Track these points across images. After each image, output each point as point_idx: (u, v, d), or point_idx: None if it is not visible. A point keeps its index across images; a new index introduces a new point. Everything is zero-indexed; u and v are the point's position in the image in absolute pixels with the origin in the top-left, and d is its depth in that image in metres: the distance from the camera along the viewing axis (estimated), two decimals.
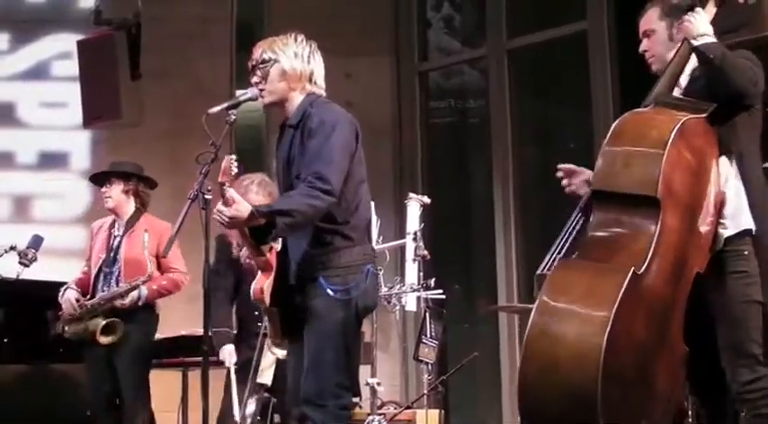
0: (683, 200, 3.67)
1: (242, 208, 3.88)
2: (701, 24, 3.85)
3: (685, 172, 3.69)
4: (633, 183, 3.65)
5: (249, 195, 5.69)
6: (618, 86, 7.54)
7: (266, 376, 5.53)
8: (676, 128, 3.65)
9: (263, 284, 4.14)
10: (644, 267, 3.52)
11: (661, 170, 3.59)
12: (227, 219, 3.89)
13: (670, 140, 3.62)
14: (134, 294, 5.90)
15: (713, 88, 3.79)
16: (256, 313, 5.76)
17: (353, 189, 4.07)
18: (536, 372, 3.49)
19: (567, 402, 3.41)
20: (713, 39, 3.82)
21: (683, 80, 3.99)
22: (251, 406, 5.56)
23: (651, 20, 4.09)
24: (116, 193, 6.10)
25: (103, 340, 5.85)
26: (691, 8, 3.98)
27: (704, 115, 3.77)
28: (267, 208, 3.92)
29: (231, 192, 3.91)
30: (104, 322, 5.85)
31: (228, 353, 5.74)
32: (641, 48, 4.12)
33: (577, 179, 4.20)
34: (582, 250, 3.76)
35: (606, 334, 3.38)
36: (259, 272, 4.20)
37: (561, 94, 8.48)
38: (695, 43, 3.82)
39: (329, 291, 3.98)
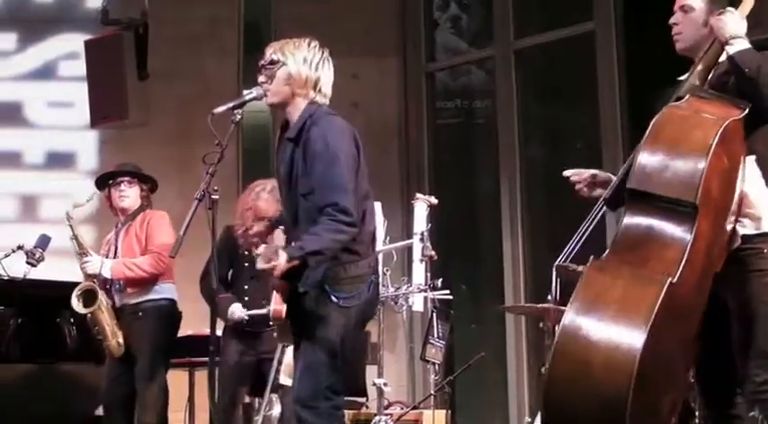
0: (716, 205, 3.62)
1: (281, 262, 3.90)
2: (733, 25, 3.76)
3: (721, 177, 3.62)
4: (672, 187, 3.57)
5: (259, 201, 5.71)
6: (625, 86, 7.53)
7: (285, 378, 5.52)
8: (719, 133, 3.56)
9: (280, 303, 4.16)
10: (678, 275, 3.48)
11: (703, 176, 3.51)
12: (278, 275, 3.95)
13: (713, 145, 3.54)
14: (95, 259, 5.92)
15: (744, 97, 3.71)
16: (246, 309, 5.76)
17: (358, 202, 4.06)
18: (565, 375, 3.48)
19: (594, 409, 3.40)
20: (746, 44, 3.73)
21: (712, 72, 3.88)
22: (276, 408, 5.56)
23: None
24: (134, 193, 6.14)
25: (83, 310, 5.83)
26: (730, 2, 3.87)
27: (741, 115, 3.68)
28: (300, 252, 3.93)
29: (268, 248, 3.97)
30: (79, 291, 5.84)
31: (237, 308, 5.73)
32: (672, 20, 3.98)
33: (584, 179, 4.14)
34: (613, 250, 3.69)
35: (642, 345, 3.37)
36: (275, 293, 4.21)
37: (568, 95, 8.48)
38: (729, 50, 3.72)
39: (333, 298, 4.00)
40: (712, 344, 3.78)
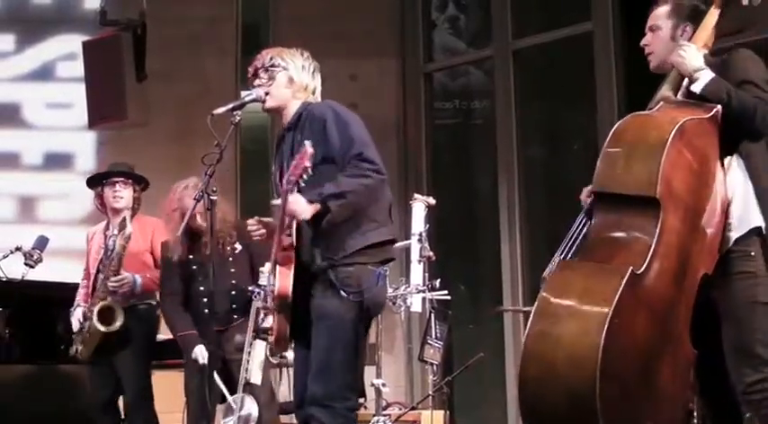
0: (684, 201, 3.66)
1: (300, 203, 3.92)
2: (692, 59, 3.83)
3: (686, 173, 3.68)
4: (633, 184, 3.64)
5: (185, 200, 5.66)
6: (623, 87, 7.54)
7: (256, 376, 5.51)
8: (675, 129, 3.63)
9: (285, 281, 4.07)
10: (644, 267, 3.51)
11: (660, 170, 3.57)
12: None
13: (669, 140, 3.60)
14: (128, 276, 5.87)
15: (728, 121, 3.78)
16: (206, 311, 5.68)
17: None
18: (535, 374, 3.49)
19: (566, 404, 3.40)
20: (710, 75, 3.79)
21: (684, 80, 3.94)
22: (253, 408, 5.52)
23: (659, 16, 4.04)
24: (129, 194, 6.12)
25: (103, 328, 5.81)
26: (693, 14, 3.96)
27: (707, 116, 3.74)
28: (318, 196, 3.93)
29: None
30: (99, 307, 5.81)
31: (200, 351, 5.70)
32: (643, 41, 4.08)
33: None
34: (583, 251, 3.76)
35: (604, 333, 3.36)
36: (277, 271, 4.12)
37: (566, 95, 8.48)
38: (696, 89, 3.80)
39: (342, 293, 3.98)
40: (708, 347, 3.78)
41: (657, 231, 3.56)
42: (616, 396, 3.40)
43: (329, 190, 3.92)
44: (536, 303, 3.59)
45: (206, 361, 5.60)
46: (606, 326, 3.37)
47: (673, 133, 3.62)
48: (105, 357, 5.94)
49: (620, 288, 3.43)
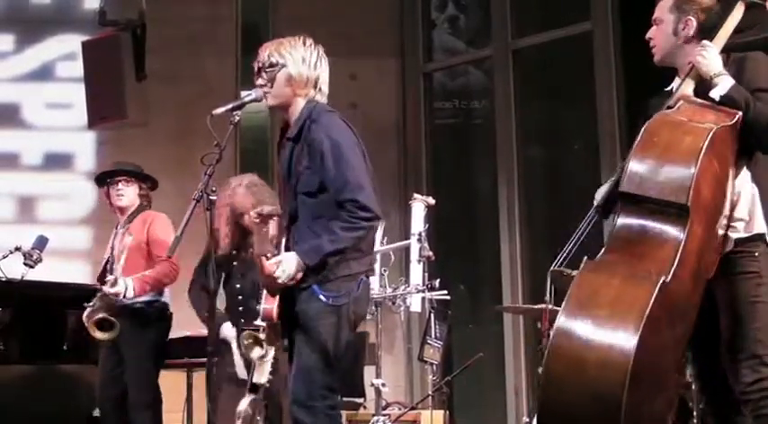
0: (707, 207, 3.67)
1: (292, 266, 4.00)
2: (713, 62, 3.81)
3: (711, 180, 3.68)
4: (665, 190, 3.63)
5: (236, 197, 5.66)
6: (622, 87, 7.55)
7: (263, 376, 5.51)
8: (709, 138, 3.64)
9: (272, 303, 4.17)
10: (671, 274, 3.53)
11: (694, 178, 3.58)
12: (284, 283, 4.02)
13: (703, 149, 3.61)
14: (120, 284, 5.83)
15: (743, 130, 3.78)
16: (240, 308, 5.68)
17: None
18: (560, 374, 3.51)
19: (590, 408, 3.44)
20: (729, 82, 3.78)
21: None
22: (244, 403, 5.52)
23: (663, 9, 4.01)
24: (131, 192, 6.13)
25: (99, 335, 5.81)
26: (696, 7, 3.92)
27: (732, 123, 3.74)
28: (317, 255, 4.01)
29: (272, 261, 4.04)
30: (100, 317, 5.82)
31: (229, 330, 5.66)
32: (648, 34, 4.06)
33: None
34: (607, 251, 3.74)
35: (636, 342, 3.40)
36: (265, 292, 4.21)
37: (566, 95, 8.49)
38: (715, 95, 3.79)
39: (322, 297, 4.03)
40: (710, 349, 3.82)
41: (684, 238, 3.58)
42: (638, 399, 3.44)
43: (327, 249, 4.00)
44: (564, 305, 3.59)
45: (234, 340, 5.57)
46: (639, 335, 3.41)
47: (707, 141, 3.62)
48: (115, 354, 5.95)
49: (653, 298, 3.47)
